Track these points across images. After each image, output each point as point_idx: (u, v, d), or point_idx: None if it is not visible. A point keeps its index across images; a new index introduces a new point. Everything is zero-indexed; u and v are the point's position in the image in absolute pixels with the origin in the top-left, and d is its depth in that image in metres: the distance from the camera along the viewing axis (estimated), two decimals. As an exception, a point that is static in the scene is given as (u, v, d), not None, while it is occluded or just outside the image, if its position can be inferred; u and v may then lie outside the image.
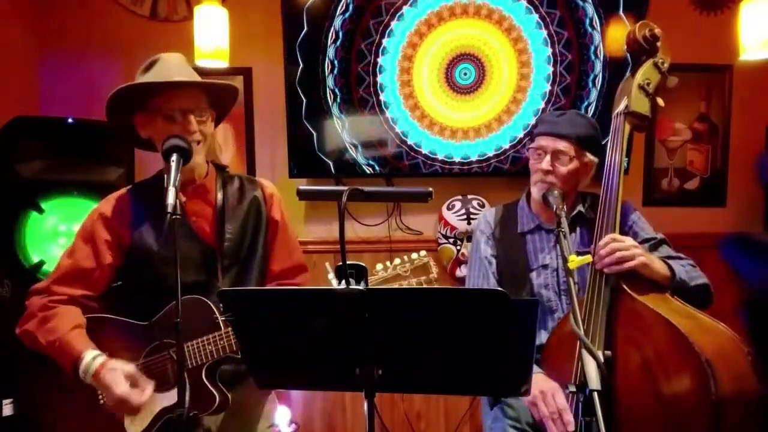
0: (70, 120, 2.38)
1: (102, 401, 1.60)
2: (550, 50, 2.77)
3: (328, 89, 2.74)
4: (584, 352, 1.28)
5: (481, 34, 2.76)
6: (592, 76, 2.80)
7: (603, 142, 1.85)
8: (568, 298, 1.77)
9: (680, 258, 1.72)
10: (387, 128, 2.79)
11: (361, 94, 2.76)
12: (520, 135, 2.82)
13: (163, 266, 1.61)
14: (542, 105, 2.80)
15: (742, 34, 2.36)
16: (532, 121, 2.77)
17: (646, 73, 1.79)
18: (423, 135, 2.81)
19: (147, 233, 1.67)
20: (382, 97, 2.77)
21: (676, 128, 3.04)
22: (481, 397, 2.14)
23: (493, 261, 1.92)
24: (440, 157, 2.82)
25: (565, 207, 1.67)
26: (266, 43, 2.79)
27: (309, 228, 2.93)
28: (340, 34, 2.70)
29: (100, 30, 2.83)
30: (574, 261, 1.43)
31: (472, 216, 2.79)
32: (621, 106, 1.79)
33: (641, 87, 1.77)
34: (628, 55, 1.89)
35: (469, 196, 2.87)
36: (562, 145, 1.78)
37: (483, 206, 2.83)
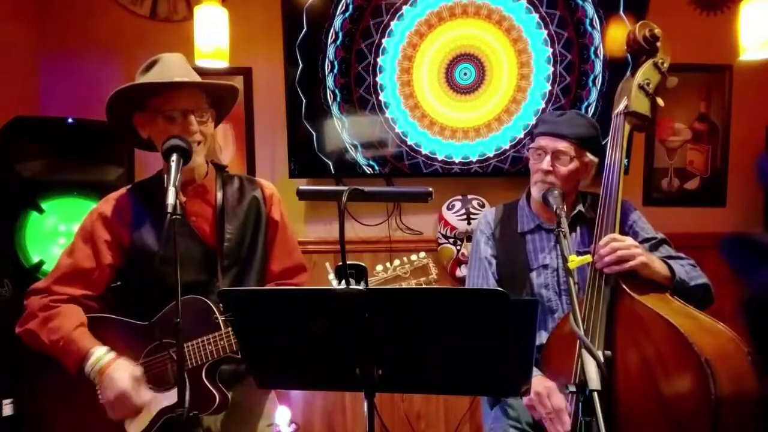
0: (70, 120, 2.38)
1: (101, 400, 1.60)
2: (550, 50, 2.77)
3: (328, 89, 2.74)
4: (584, 352, 1.28)
5: (481, 34, 2.76)
6: (592, 76, 2.80)
7: (603, 142, 1.85)
8: (568, 298, 1.77)
9: (681, 258, 1.72)
10: (387, 128, 2.79)
11: (361, 94, 2.76)
12: (520, 135, 2.82)
13: (163, 266, 1.60)
14: (542, 105, 2.81)
15: (742, 34, 2.36)
16: (532, 122, 2.77)
17: (646, 73, 1.79)
18: (423, 135, 2.81)
19: (147, 233, 1.67)
20: (381, 97, 2.77)
21: (676, 128, 3.04)
22: (481, 397, 2.14)
23: (493, 261, 1.92)
24: (440, 157, 2.82)
25: (565, 207, 1.67)
26: (266, 43, 2.79)
27: (309, 228, 2.93)
28: (340, 34, 2.70)
29: (100, 30, 2.83)
30: (574, 261, 1.43)
31: (472, 216, 2.79)
32: (621, 106, 1.79)
33: (641, 87, 1.77)
34: (628, 55, 1.89)
35: (469, 196, 2.87)
36: (563, 145, 1.78)
37: (483, 206, 2.83)
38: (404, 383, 1.25)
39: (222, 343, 1.56)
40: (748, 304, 0.94)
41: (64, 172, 2.31)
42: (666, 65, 1.79)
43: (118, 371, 1.54)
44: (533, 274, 1.86)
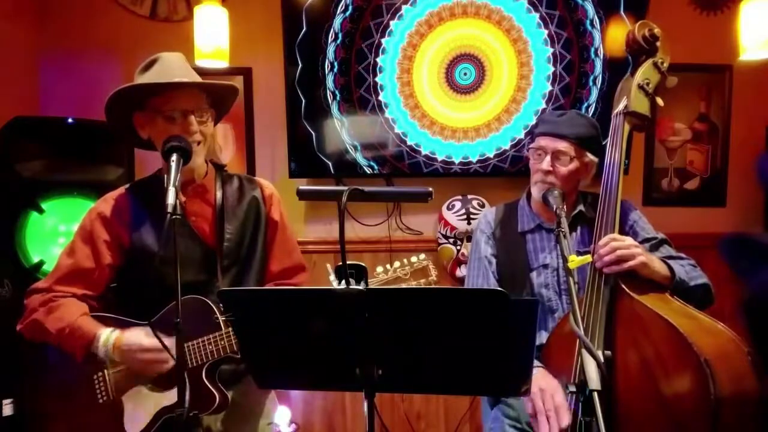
0: (70, 120, 2.38)
1: (104, 392, 1.60)
2: (550, 50, 2.77)
3: (327, 89, 2.74)
4: (584, 352, 1.28)
5: (481, 34, 2.76)
6: (592, 76, 2.80)
7: (603, 142, 1.85)
8: (568, 297, 1.76)
9: (681, 258, 1.72)
10: (387, 128, 2.79)
11: (360, 94, 2.76)
12: (520, 135, 2.82)
13: (163, 266, 1.60)
14: (542, 105, 2.81)
15: (741, 34, 2.36)
16: (533, 122, 2.77)
17: (645, 73, 1.79)
18: (423, 135, 2.81)
19: (146, 233, 1.67)
20: (381, 97, 2.77)
21: (676, 128, 3.04)
22: (481, 397, 2.14)
23: (493, 261, 1.92)
24: (440, 157, 2.82)
25: (565, 207, 1.67)
26: (266, 43, 2.79)
27: (309, 228, 2.93)
28: (340, 34, 2.70)
29: (100, 30, 2.83)
30: (574, 261, 1.43)
31: (472, 216, 2.79)
32: (620, 106, 1.80)
33: (641, 87, 1.77)
34: (628, 55, 1.89)
35: (469, 196, 2.87)
36: (563, 145, 1.78)
37: (483, 206, 2.83)
38: (404, 383, 1.25)
39: (222, 343, 1.56)
40: (748, 304, 0.95)
41: (64, 172, 2.31)
42: (666, 65, 1.79)
43: (132, 337, 1.57)
44: (533, 274, 1.86)
